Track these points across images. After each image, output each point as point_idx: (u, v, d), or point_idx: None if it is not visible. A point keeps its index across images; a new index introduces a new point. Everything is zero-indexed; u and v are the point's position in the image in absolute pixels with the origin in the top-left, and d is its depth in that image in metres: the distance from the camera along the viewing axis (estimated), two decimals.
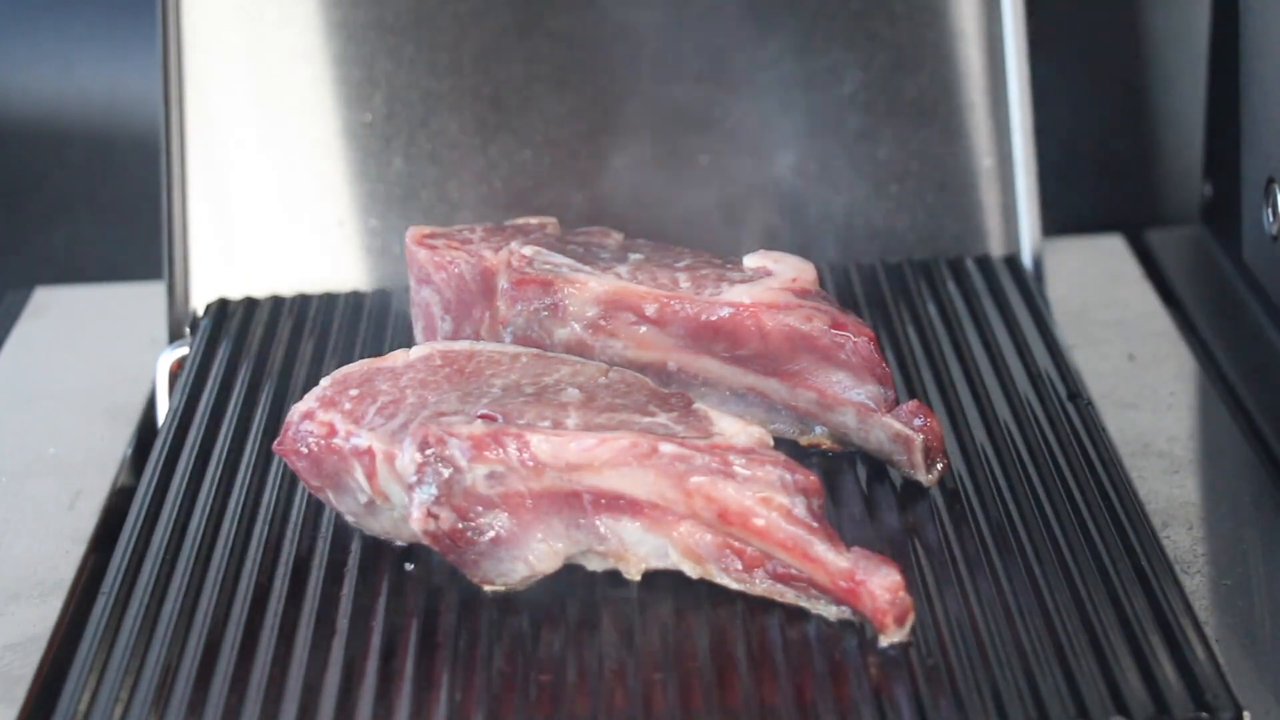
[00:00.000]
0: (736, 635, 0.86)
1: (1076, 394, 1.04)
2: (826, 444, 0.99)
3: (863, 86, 1.24)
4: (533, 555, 0.88)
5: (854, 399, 0.97)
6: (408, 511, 0.88)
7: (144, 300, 1.26)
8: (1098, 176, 1.42)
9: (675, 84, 1.24)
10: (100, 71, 1.38)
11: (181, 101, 1.22)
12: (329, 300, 1.19)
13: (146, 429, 1.13)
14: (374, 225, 1.25)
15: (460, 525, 0.88)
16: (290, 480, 0.99)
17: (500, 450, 0.87)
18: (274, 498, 0.98)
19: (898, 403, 0.97)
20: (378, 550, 0.93)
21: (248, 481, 0.99)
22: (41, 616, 0.96)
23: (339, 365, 1.10)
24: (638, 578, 0.89)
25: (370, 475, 0.90)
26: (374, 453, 0.89)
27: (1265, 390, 1.12)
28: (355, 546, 0.94)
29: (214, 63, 1.23)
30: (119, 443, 1.12)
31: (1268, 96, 1.15)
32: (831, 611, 0.86)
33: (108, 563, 0.94)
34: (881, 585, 0.84)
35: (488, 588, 0.89)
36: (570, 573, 0.91)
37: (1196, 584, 0.95)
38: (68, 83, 1.38)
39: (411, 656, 0.86)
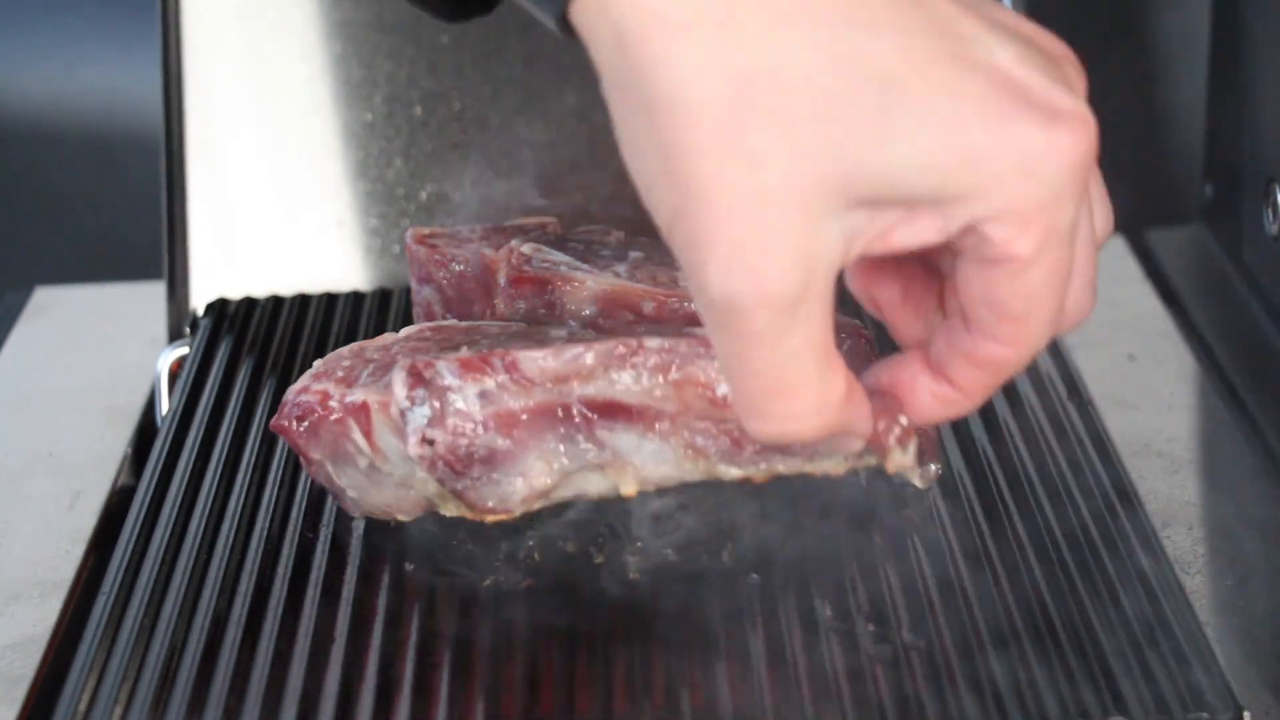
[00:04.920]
0: (740, 635, 0.86)
1: (1076, 394, 1.04)
2: None
3: None
4: (531, 471, 0.88)
5: None
6: (404, 444, 0.88)
7: (144, 300, 1.26)
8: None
9: None
10: (100, 71, 1.38)
11: (181, 101, 1.22)
12: (329, 300, 1.19)
13: (146, 429, 1.13)
14: (374, 225, 1.25)
15: (454, 446, 0.88)
16: (290, 481, 0.99)
17: (488, 368, 0.87)
18: (274, 498, 0.98)
19: None
20: (378, 550, 0.93)
21: (248, 481, 0.99)
22: (41, 616, 0.96)
23: None
24: (635, 491, 0.88)
25: (367, 432, 0.90)
26: (368, 406, 0.89)
27: (1265, 390, 1.12)
28: (355, 547, 0.94)
29: (214, 63, 1.23)
30: (119, 443, 1.12)
31: (1268, 96, 1.15)
32: (835, 464, 0.85)
33: (108, 563, 0.94)
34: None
35: (490, 519, 0.88)
36: (571, 572, 0.91)
37: (1196, 584, 0.95)
38: (68, 83, 1.38)
39: (411, 657, 0.86)
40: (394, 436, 0.89)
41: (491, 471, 0.88)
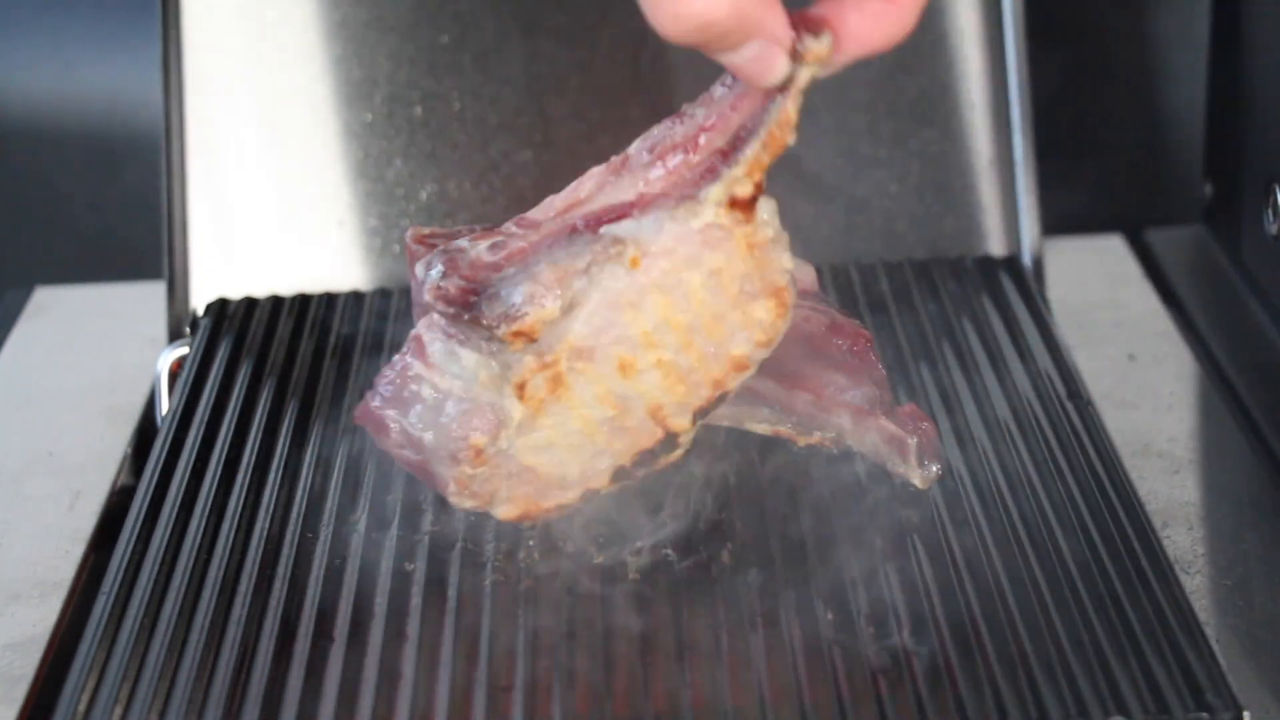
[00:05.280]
0: (740, 633, 0.86)
1: (1076, 394, 1.04)
2: (827, 444, 0.99)
3: (863, 86, 1.24)
4: (538, 273, 0.88)
5: (850, 401, 0.97)
6: (425, 294, 0.90)
7: (144, 300, 1.26)
8: (1098, 176, 1.42)
9: (675, 84, 1.24)
10: (100, 71, 1.38)
11: (181, 101, 1.22)
12: (329, 300, 1.19)
13: (146, 429, 1.13)
14: (374, 225, 1.25)
15: (465, 287, 0.89)
16: (290, 481, 0.99)
17: (497, 230, 0.91)
18: (274, 498, 0.98)
19: (894, 405, 0.97)
20: (377, 551, 0.93)
21: (248, 481, 0.99)
22: (41, 616, 0.96)
23: (339, 365, 1.11)
24: (639, 260, 0.88)
25: (422, 355, 0.91)
26: (419, 335, 0.91)
27: (1265, 390, 1.12)
28: (355, 546, 0.94)
29: (214, 63, 1.23)
30: (119, 443, 1.12)
31: (1268, 96, 1.15)
32: (784, 108, 0.86)
33: (108, 563, 0.94)
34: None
35: (513, 328, 0.88)
36: (571, 572, 0.91)
37: (1196, 584, 0.95)
38: (68, 83, 1.38)
39: (411, 657, 0.86)
40: (441, 339, 0.90)
41: (504, 289, 0.88)
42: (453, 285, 0.89)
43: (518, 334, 0.88)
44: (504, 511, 0.93)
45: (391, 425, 0.92)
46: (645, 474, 0.93)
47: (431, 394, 0.91)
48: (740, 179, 0.87)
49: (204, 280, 1.22)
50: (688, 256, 0.88)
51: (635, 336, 0.89)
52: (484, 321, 0.88)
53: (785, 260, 0.91)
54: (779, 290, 0.91)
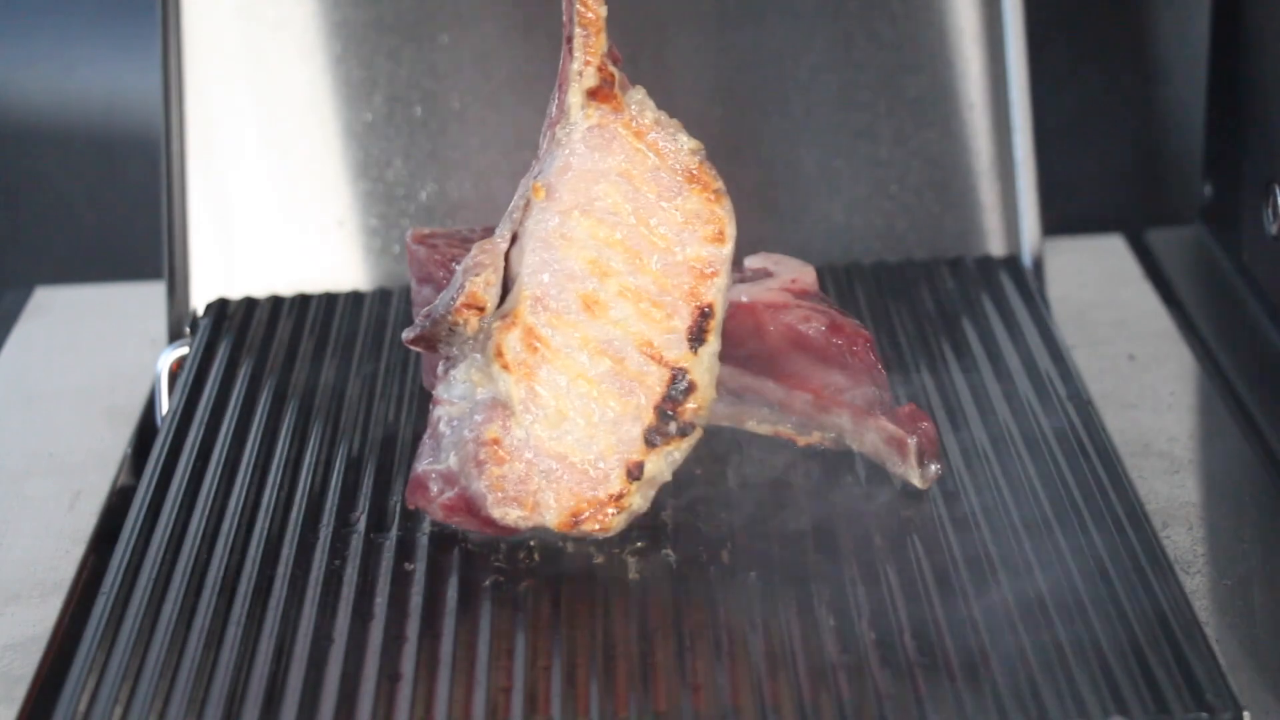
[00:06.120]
0: (740, 633, 0.86)
1: (1076, 394, 1.04)
2: (827, 444, 0.99)
3: (863, 86, 1.24)
4: (472, 254, 0.91)
5: (849, 401, 0.97)
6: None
7: (144, 300, 1.26)
8: (1098, 176, 1.42)
9: (674, 84, 1.24)
10: (100, 71, 1.39)
11: (181, 101, 1.22)
12: (329, 300, 1.19)
13: (146, 429, 1.13)
14: (374, 225, 1.25)
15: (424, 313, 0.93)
16: (290, 481, 0.99)
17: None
18: (274, 498, 0.98)
19: (894, 405, 0.98)
20: (377, 551, 0.93)
21: (248, 481, 0.99)
22: (41, 616, 0.96)
23: (339, 365, 1.11)
24: (541, 189, 0.91)
25: (436, 403, 0.92)
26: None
27: (1265, 390, 1.12)
28: (355, 546, 0.94)
29: (214, 63, 1.23)
30: (119, 443, 1.12)
31: (1268, 97, 1.15)
32: None
33: (108, 563, 0.94)
34: None
35: (459, 302, 0.90)
36: (570, 572, 0.91)
37: (1196, 584, 0.95)
38: (68, 83, 1.39)
39: (411, 656, 0.86)
40: (442, 381, 0.92)
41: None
42: (414, 319, 0.90)
43: (466, 307, 0.89)
44: (554, 516, 0.91)
45: (429, 479, 0.92)
46: (680, 431, 0.91)
47: (448, 427, 0.91)
48: (584, 71, 0.91)
49: (204, 280, 1.22)
50: (588, 169, 0.89)
51: (583, 269, 0.90)
52: (440, 316, 0.89)
53: (686, 141, 0.93)
54: (695, 174, 0.91)
